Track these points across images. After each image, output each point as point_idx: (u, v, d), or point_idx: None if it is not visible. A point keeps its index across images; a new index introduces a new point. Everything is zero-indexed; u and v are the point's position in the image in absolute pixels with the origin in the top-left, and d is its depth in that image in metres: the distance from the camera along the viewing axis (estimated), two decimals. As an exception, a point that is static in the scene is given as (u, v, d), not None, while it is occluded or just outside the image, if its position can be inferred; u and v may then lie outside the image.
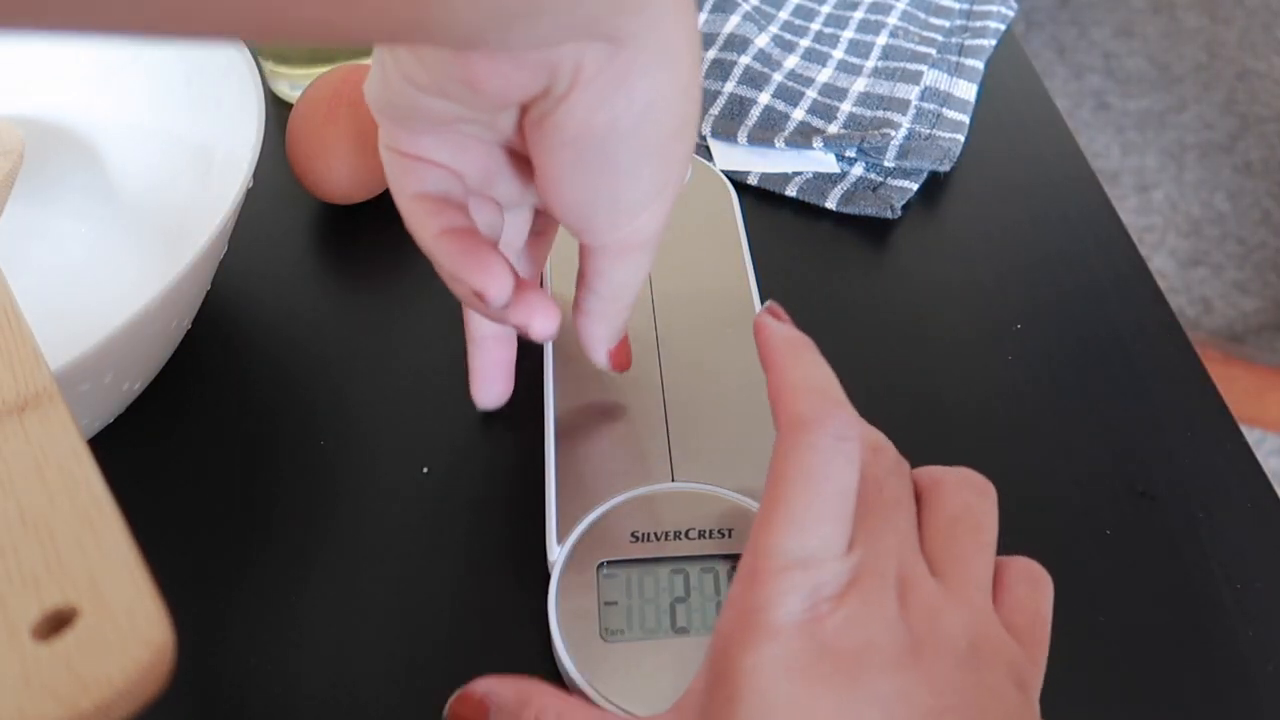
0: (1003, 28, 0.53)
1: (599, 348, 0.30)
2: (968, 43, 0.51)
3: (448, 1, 0.18)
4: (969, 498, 0.24)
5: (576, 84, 0.22)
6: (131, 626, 0.18)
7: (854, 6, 0.54)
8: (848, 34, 0.52)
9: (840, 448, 0.22)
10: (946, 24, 0.53)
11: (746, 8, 0.52)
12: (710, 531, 0.29)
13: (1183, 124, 1.74)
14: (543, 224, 0.32)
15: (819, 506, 0.22)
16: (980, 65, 0.50)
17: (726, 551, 0.29)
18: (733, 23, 0.50)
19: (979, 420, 0.35)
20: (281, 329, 0.38)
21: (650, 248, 0.27)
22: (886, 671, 0.20)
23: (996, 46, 0.52)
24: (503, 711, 0.23)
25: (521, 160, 0.28)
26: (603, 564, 0.29)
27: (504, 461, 0.34)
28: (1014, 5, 0.55)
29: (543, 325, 0.27)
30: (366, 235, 0.41)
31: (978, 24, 0.53)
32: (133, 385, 0.33)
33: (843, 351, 0.36)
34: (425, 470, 0.33)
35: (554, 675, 0.28)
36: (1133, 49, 1.90)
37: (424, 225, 0.27)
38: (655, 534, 0.29)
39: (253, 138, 0.34)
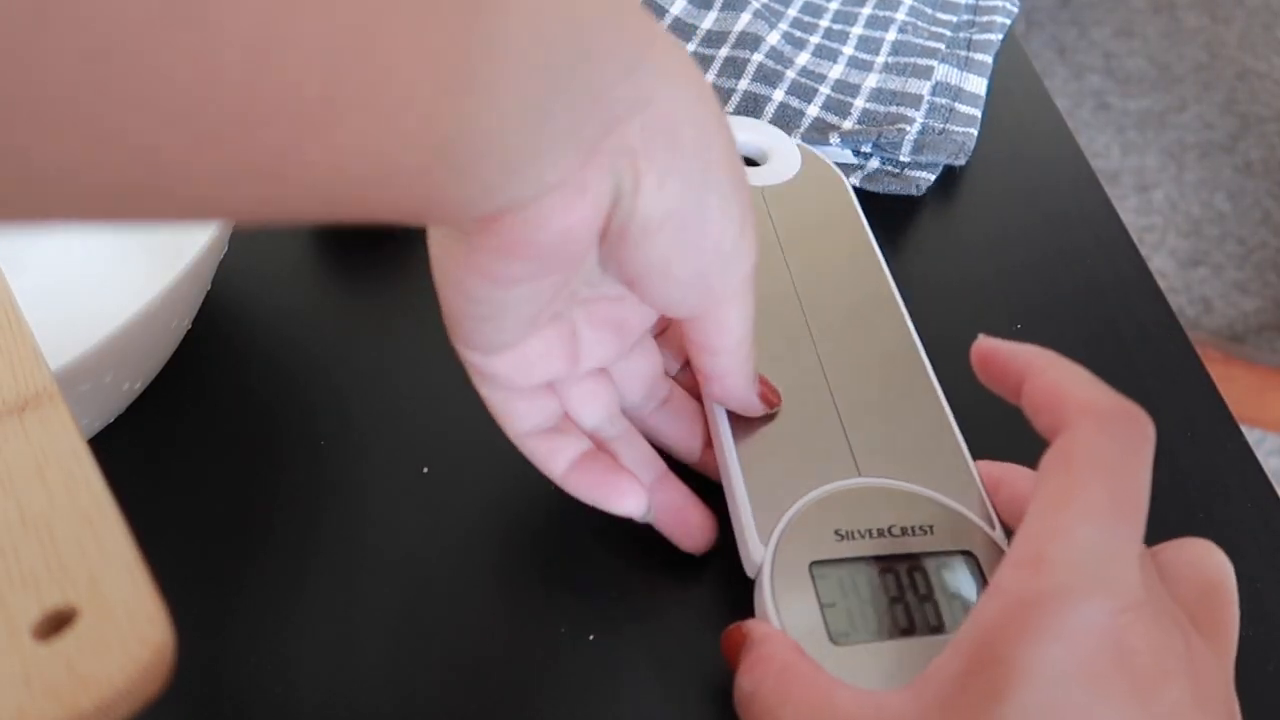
0: (1008, 23, 0.53)
1: (749, 398, 0.29)
2: (976, 37, 0.52)
3: (476, 171, 0.18)
4: (1226, 573, 0.23)
5: (638, 167, 0.21)
6: (131, 626, 0.18)
7: (861, 3, 0.54)
8: (857, 30, 0.52)
9: (1143, 447, 0.21)
10: (954, 19, 0.53)
11: (756, 5, 0.52)
12: (913, 529, 0.28)
13: (1183, 124, 1.74)
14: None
15: (1121, 502, 0.20)
16: (989, 60, 0.50)
17: (930, 549, 0.28)
18: (744, 20, 0.51)
19: (979, 420, 0.35)
20: (281, 329, 0.38)
21: (754, 277, 0.26)
22: (1180, 709, 0.19)
23: (1001, 43, 0.52)
24: (751, 644, 0.25)
25: (600, 320, 0.28)
26: (814, 564, 0.27)
27: (506, 459, 0.34)
28: (1016, 2, 0.55)
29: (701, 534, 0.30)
30: (367, 235, 0.41)
31: (984, 19, 0.53)
32: (133, 385, 0.33)
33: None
34: (425, 470, 0.33)
35: (542, 665, 0.28)
36: (1133, 49, 1.90)
37: (553, 462, 0.28)
38: (858, 532, 0.28)
39: (253, 138, 0.34)
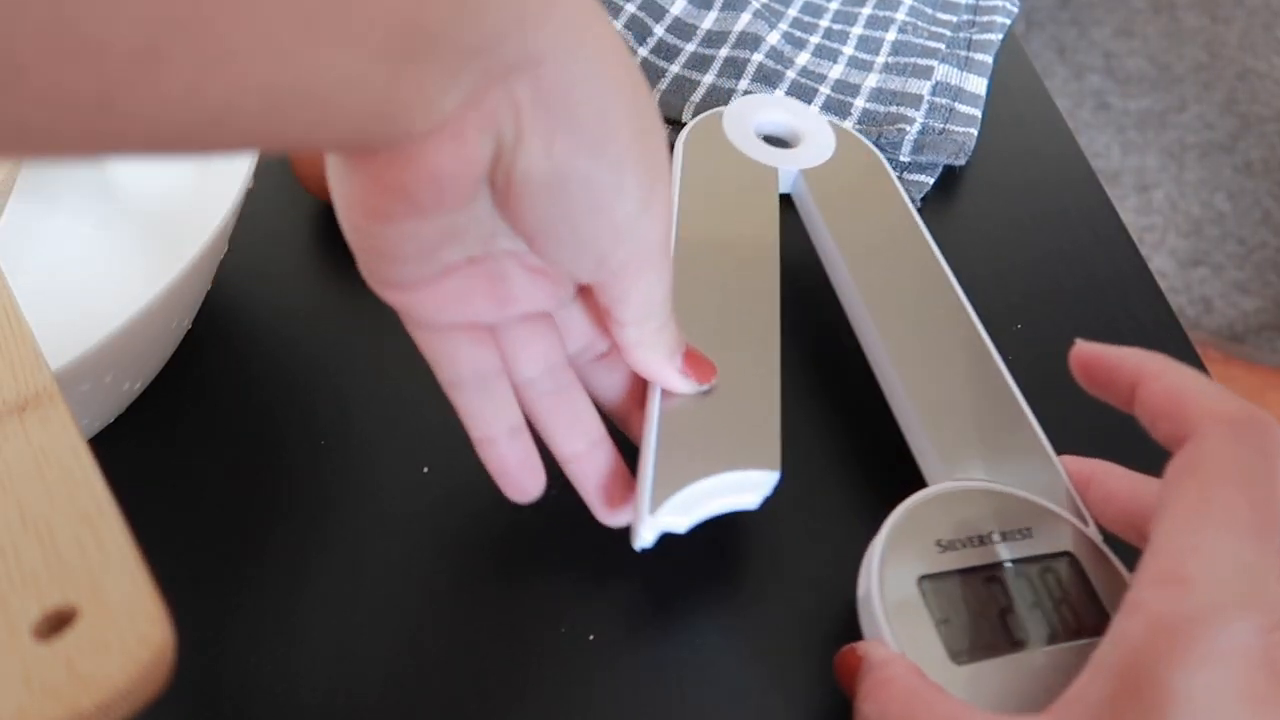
0: (1008, 23, 0.53)
1: (665, 373, 0.28)
2: (976, 37, 0.52)
3: (340, 114, 0.17)
4: None
5: (521, 125, 0.21)
6: (131, 626, 0.18)
7: (861, 3, 0.54)
8: (857, 30, 0.53)
9: (1276, 454, 0.20)
10: (954, 19, 0.53)
11: (756, 5, 0.52)
12: (1011, 533, 0.27)
13: (1183, 124, 1.74)
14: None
15: (1261, 513, 0.19)
16: (989, 60, 0.50)
17: (1032, 554, 0.27)
18: (744, 20, 0.51)
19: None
20: (281, 329, 0.38)
21: (663, 256, 0.25)
22: None
23: (1001, 43, 0.52)
24: (870, 667, 0.24)
25: (534, 266, 0.26)
26: (923, 578, 0.26)
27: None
28: (1016, 2, 0.55)
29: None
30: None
31: (984, 19, 0.53)
32: (133, 385, 0.33)
33: (844, 350, 0.36)
34: (425, 470, 0.33)
35: (531, 669, 0.28)
36: (1133, 49, 1.90)
37: (473, 426, 0.28)
38: (960, 541, 0.27)
39: (253, 138, 0.34)
